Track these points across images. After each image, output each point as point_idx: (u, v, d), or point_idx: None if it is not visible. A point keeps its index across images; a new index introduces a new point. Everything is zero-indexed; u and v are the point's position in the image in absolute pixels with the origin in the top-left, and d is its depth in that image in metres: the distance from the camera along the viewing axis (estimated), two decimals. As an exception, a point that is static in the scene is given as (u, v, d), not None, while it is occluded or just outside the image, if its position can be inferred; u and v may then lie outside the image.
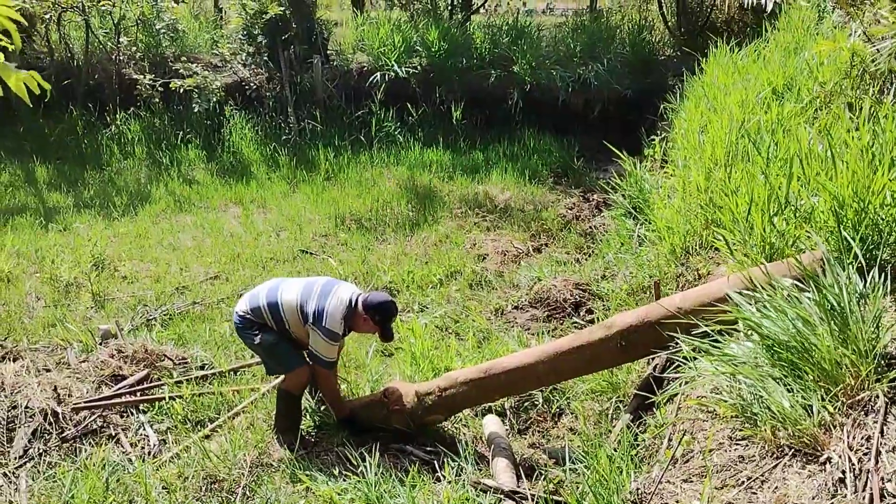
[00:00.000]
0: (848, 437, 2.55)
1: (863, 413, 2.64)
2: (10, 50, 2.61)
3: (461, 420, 4.73)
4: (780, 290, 3.17)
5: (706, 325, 3.38)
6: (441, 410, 4.44)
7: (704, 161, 5.77)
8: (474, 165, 10.66)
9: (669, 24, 13.65)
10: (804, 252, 3.67)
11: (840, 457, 2.50)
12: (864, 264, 3.20)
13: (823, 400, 2.71)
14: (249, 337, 4.41)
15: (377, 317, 4.29)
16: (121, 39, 11.94)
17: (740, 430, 2.92)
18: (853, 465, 2.45)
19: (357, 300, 4.32)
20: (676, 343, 3.52)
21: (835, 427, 2.63)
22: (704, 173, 5.52)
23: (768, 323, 3.02)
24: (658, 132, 9.08)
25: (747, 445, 2.84)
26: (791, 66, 6.57)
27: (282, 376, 4.53)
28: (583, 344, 4.05)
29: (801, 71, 6.41)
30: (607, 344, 3.96)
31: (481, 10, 15.12)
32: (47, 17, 11.63)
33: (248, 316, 4.40)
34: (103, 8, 11.68)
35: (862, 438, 2.54)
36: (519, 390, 4.61)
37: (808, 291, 3.07)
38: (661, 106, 9.59)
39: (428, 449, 4.36)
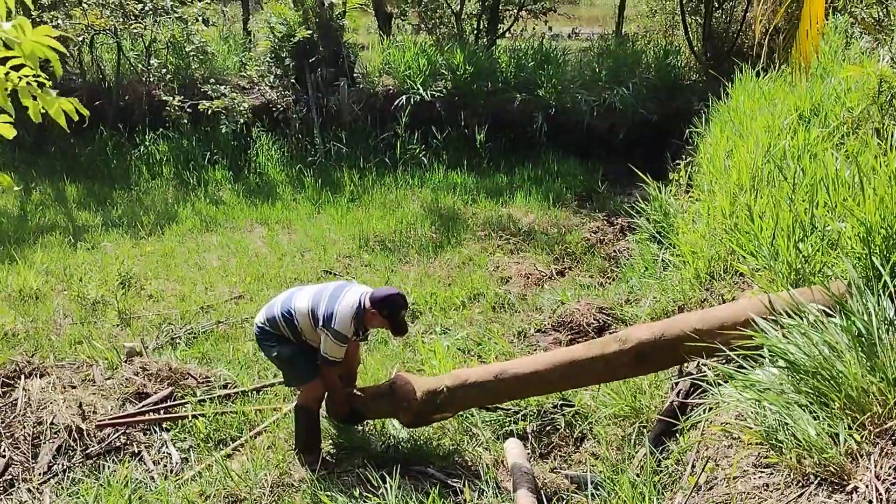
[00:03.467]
0: (875, 467, 2.51)
1: (890, 442, 2.59)
2: (49, 80, 2.66)
3: (482, 444, 4.70)
4: (806, 315, 3.14)
5: (729, 350, 3.34)
6: (449, 409, 4.41)
7: (730, 186, 5.74)
8: (498, 188, 10.68)
9: (696, 48, 13.65)
10: (830, 278, 3.63)
11: (867, 486, 2.45)
12: (893, 291, 3.16)
13: (850, 428, 2.67)
14: (268, 348, 4.48)
15: (385, 310, 4.25)
16: (151, 61, 12.13)
17: (765, 458, 2.88)
18: (880, 494, 2.40)
19: (365, 298, 4.33)
20: (692, 359, 3.49)
21: (862, 456, 2.59)
22: (730, 198, 5.49)
23: (794, 349, 2.98)
24: (683, 157, 9.04)
25: (772, 473, 2.80)
26: (818, 91, 6.53)
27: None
28: (596, 355, 4.03)
29: (828, 96, 6.37)
30: (621, 357, 3.94)
31: (507, 34, 15.20)
32: (80, 39, 11.84)
33: (266, 327, 4.46)
34: (135, 31, 11.91)
35: (890, 468, 2.49)
36: (529, 395, 4.62)
37: (835, 318, 3.03)
38: (687, 130, 9.56)
39: (449, 472, 4.34)
